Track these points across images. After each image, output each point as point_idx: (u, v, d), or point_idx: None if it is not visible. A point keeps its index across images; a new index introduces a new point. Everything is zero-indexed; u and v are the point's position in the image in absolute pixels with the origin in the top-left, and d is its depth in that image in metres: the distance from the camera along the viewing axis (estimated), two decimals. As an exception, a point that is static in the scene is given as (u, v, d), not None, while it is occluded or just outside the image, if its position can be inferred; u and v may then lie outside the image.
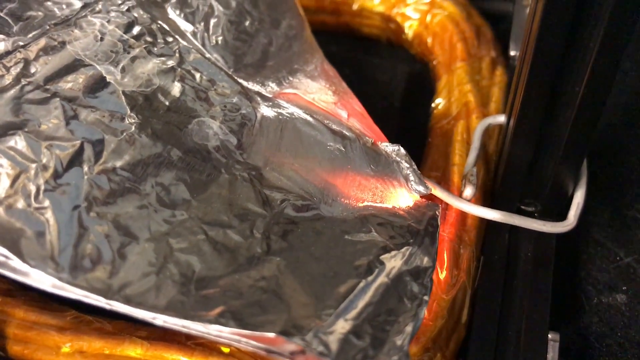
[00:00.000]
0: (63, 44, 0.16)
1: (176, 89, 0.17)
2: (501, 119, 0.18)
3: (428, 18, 0.23)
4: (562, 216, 0.17)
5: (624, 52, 0.15)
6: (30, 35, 0.17)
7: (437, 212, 0.16)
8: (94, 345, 0.16)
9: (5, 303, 0.17)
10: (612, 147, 0.22)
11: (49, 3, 0.17)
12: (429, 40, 0.23)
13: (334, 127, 0.17)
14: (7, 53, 0.16)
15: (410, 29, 0.23)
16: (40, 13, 0.17)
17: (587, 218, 0.19)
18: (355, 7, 0.24)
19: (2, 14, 0.17)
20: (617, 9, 0.13)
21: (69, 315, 0.17)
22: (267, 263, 0.14)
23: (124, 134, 0.15)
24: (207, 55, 0.18)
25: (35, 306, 0.17)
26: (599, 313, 0.18)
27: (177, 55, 0.17)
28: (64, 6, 0.17)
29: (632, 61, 0.24)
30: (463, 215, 0.17)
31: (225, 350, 0.16)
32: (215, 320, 0.13)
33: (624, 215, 0.20)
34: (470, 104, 0.20)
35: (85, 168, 0.14)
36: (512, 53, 0.22)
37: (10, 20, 0.17)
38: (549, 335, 0.16)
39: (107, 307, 0.13)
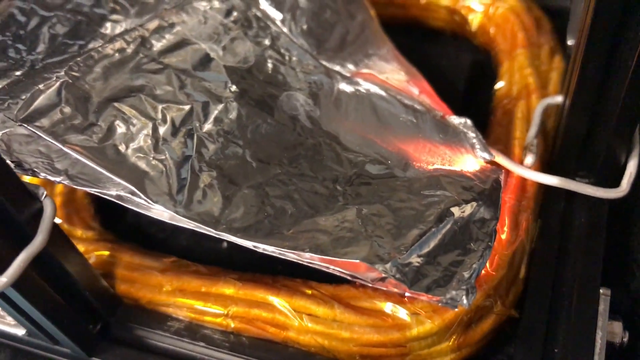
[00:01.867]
0: (173, 25, 0.19)
1: (269, 65, 0.19)
2: (559, 99, 0.20)
3: (491, 10, 0.25)
4: (615, 185, 0.19)
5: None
6: (145, 17, 0.19)
7: (500, 176, 0.18)
8: (192, 284, 0.18)
9: (114, 249, 0.20)
10: None
11: None
12: (492, 30, 0.25)
13: (406, 101, 0.19)
14: (127, 31, 0.19)
15: (474, 20, 0.25)
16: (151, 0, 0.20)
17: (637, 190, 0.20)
18: (423, 1, 0.26)
19: (121, 0, 0.20)
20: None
21: (169, 260, 0.20)
22: (349, 210, 0.16)
23: (227, 100, 0.17)
24: (294, 39, 0.20)
25: (139, 252, 0.20)
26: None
27: (269, 38, 0.20)
28: None
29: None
30: (523, 182, 0.19)
31: (308, 291, 0.18)
32: (308, 250, 0.15)
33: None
34: (530, 85, 0.22)
35: (196, 125, 0.17)
36: (569, 42, 0.24)
37: (127, 5, 0.20)
38: (601, 290, 0.18)
39: (216, 236, 0.15)
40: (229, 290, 0.18)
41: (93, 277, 0.17)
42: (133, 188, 0.15)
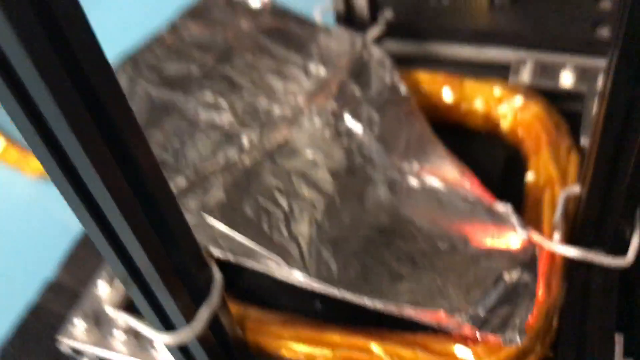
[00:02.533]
0: (287, 139, 0.26)
1: (357, 167, 0.26)
2: (577, 189, 0.26)
3: (519, 116, 0.31)
4: (624, 255, 0.25)
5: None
6: (265, 131, 0.26)
7: (535, 250, 0.24)
8: (306, 333, 0.24)
9: (241, 306, 0.26)
10: None
11: (275, 105, 0.27)
12: (520, 132, 0.31)
13: (461, 192, 0.26)
14: (254, 146, 0.25)
15: (505, 124, 0.32)
16: (275, 109, 0.27)
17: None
18: (463, 109, 0.32)
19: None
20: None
21: (284, 315, 0.25)
22: (428, 274, 0.22)
23: (333, 193, 0.24)
24: (372, 145, 0.27)
25: (260, 307, 0.26)
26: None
27: (355, 145, 0.26)
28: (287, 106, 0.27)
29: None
30: (552, 254, 0.25)
31: (396, 337, 0.23)
32: (407, 303, 0.21)
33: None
34: (553, 178, 0.28)
35: (314, 213, 0.23)
36: (582, 142, 0.30)
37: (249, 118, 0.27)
38: (615, 336, 0.23)
39: (337, 294, 0.21)
40: (333, 337, 0.23)
41: (236, 329, 0.23)
42: (281, 260, 0.21)
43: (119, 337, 0.25)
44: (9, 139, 0.36)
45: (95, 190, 0.16)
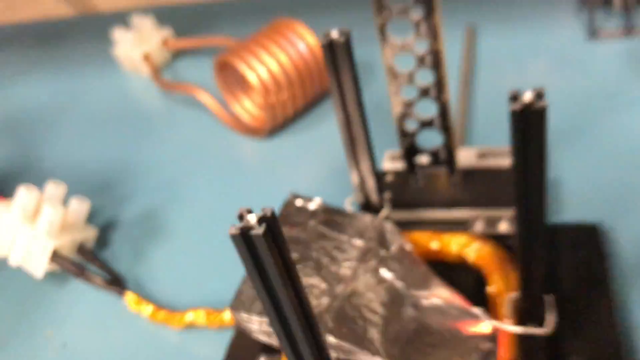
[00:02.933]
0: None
1: (393, 296, 0.45)
2: (516, 294, 0.46)
3: (479, 254, 0.51)
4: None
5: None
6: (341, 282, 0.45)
7: (497, 332, 0.43)
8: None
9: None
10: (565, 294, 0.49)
11: (341, 269, 0.47)
12: (480, 262, 0.51)
13: (454, 305, 0.45)
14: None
15: (470, 259, 0.52)
16: (342, 271, 0.46)
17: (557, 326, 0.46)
18: (443, 253, 0.53)
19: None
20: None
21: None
22: (443, 351, 0.41)
23: (388, 318, 0.43)
24: (398, 283, 0.47)
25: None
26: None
27: (389, 284, 0.46)
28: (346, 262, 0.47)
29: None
30: (508, 332, 0.44)
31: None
32: None
33: (573, 325, 0.47)
34: (502, 290, 0.48)
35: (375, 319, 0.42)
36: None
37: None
38: (548, 373, 0.42)
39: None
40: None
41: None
42: (368, 353, 0.40)
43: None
44: (156, 304, 0.55)
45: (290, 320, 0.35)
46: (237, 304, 0.45)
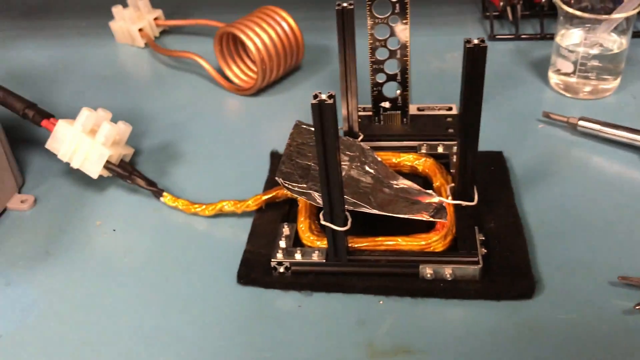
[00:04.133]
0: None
1: (375, 179, 0.68)
2: (452, 185, 0.70)
3: (424, 165, 0.75)
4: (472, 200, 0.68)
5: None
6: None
7: (444, 202, 0.67)
8: (366, 240, 0.64)
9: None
10: (484, 189, 0.74)
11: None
12: (427, 171, 0.75)
13: (414, 187, 0.68)
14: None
15: (419, 169, 0.75)
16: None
17: (479, 206, 0.70)
18: (401, 164, 0.76)
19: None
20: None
21: (357, 236, 0.65)
22: (408, 205, 0.64)
23: (374, 189, 0.65)
24: (376, 174, 0.69)
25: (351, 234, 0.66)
26: (486, 228, 0.68)
27: (372, 174, 0.68)
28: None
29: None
30: (449, 204, 0.68)
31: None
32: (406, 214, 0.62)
33: (489, 206, 0.71)
34: (444, 185, 0.72)
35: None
36: (451, 171, 0.75)
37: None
38: (475, 228, 0.66)
39: (377, 212, 0.62)
40: (381, 238, 0.64)
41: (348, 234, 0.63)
42: (366, 205, 0.62)
43: (297, 253, 0.64)
44: (175, 197, 0.74)
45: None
46: (281, 175, 0.65)
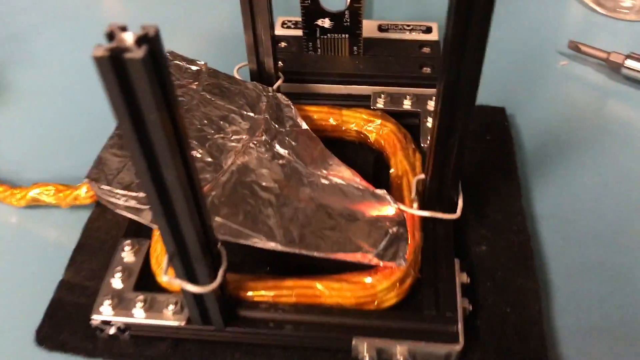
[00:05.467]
0: (240, 164, 0.38)
1: (290, 176, 0.39)
2: (422, 176, 0.42)
3: (380, 131, 0.46)
4: (454, 212, 0.40)
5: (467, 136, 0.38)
6: (227, 156, 0.38)
7: (404, 215, 0.39)
8: (270, 284, 0.37)
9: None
10: (472, 179, 0.46)
11: (229, 142, 0.39)
12: (382, 142, 0.46)
13: (355, 185, 0.40)
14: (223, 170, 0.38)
15: (371, 137, 0.47)
16: (229, 144, 0.39)
17: (465, 213, 0.42)
18: (343, 128, 0.47)
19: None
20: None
21: (253, 275, 0.38)
22: (343, 234, 0.36)
23: (283, 198, 0.37)
24: (296, 161, 0.40)
25: (237, 273, 0.38)
26: (474, 254, 0.41)
27: (287, 162, 0.40)
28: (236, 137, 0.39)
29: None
30: (413, 216, 0.40)
31: (328, 278, 0.37)
32: (338, 250, 0.34)
33: (481, 213, 0.44)
34: (407, 170, 0.43)
35: (267, 209, 0.36)
36: (422, 145, 0.46)
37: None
38: (455, 260, 0.39)
39: (297, 252, 0.34)
40: (289, 284, 0.36)
41: (226, 286, 0.36)
42: (262, 237, 0.34)
43: (138, 307, 0.36)
44: None
45: (172, 190, 0.28)
46: (97, 174, 0.36)
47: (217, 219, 0.34)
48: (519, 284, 0.38)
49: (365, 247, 0.35)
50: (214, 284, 0.32)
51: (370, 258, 0.35)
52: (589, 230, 0.42)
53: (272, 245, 0.34)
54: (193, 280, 0.32)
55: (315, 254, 0.35)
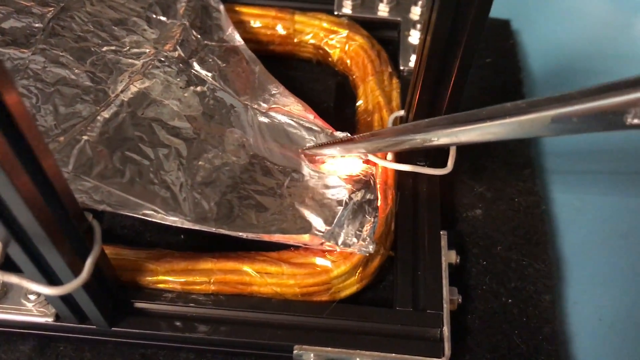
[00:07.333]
0: (143, 90, 0.26)
1: (212, 110, 0.27)
2: (401, 113, 0.30)
3: (346, 47, 0.34)
4: (444, 166, 0.29)
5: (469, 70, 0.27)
6: (119, 84, 0.26)
7: (373, 170, 0.27)
8: (180, 266, 0.26)
9: (116, 248, 0.26)
10: None
11: (123, 56, 0.27)
12: (348, 61, 0.34)
13: (307, 125, 0.28)
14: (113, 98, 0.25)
15: (334, 54, 0.35)
16: (124, 60, 0.27)
17: (457, 166, 0.31)
18: (295, 40, 0.35)
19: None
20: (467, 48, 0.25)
21: (155, 251, 0.27)
22: (289, 204, 0.25)
23: (192, 139, 0.25)
24: (223, 89, 0.28)
25: (130, 248, 0.27)
26: (467, 221, 0.31)
27: (208, 89, 0.28)
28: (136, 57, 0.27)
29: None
30: (386, 170, 0.29)
31: (263, 258, 0.26)
32: (276, 231, 0.23)
33: (476, 164, 0.33)
34: (380, 103, 0.32)
35: (181, 160, 0.24)
36: (402, 68, 0.34)
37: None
38: (441, 232, 0.28)
39: (213, 231, 0.23)
40: (207, 265, 0.26)
41: (113, 270, 0.24)
42: (156, 208, 0.22)
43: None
44: None
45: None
46: None
47: (88, 180, 0.22)
48: (525, 265, 0.28)
49: (315, 225, 0.24)
50: (79, 280, 0.20)
51: (321, 241, 0.24)
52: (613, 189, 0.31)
53: (173, 220, 0.23)
54: (46, 275, 0.20)
55: (242, 234, 0.23)
